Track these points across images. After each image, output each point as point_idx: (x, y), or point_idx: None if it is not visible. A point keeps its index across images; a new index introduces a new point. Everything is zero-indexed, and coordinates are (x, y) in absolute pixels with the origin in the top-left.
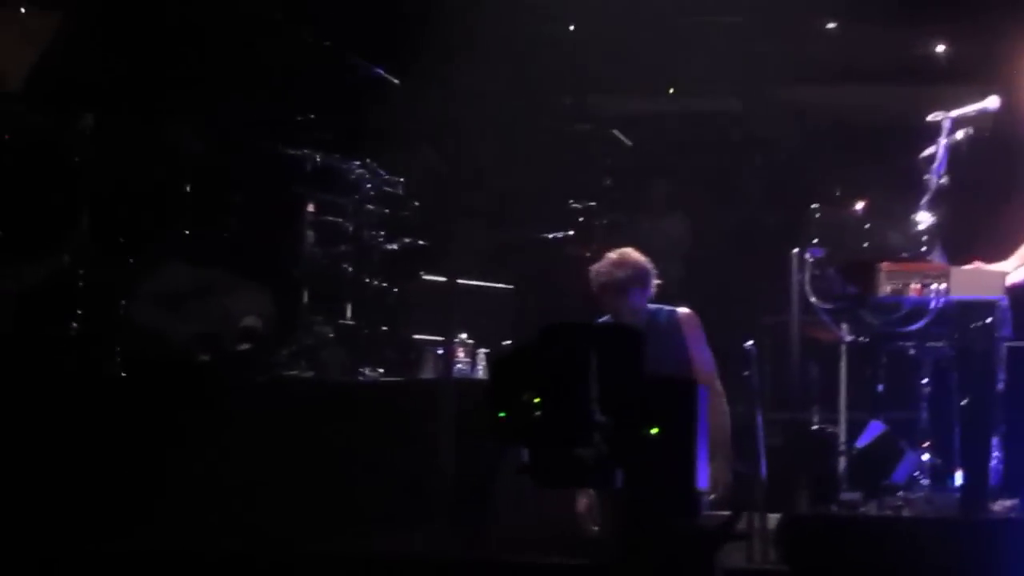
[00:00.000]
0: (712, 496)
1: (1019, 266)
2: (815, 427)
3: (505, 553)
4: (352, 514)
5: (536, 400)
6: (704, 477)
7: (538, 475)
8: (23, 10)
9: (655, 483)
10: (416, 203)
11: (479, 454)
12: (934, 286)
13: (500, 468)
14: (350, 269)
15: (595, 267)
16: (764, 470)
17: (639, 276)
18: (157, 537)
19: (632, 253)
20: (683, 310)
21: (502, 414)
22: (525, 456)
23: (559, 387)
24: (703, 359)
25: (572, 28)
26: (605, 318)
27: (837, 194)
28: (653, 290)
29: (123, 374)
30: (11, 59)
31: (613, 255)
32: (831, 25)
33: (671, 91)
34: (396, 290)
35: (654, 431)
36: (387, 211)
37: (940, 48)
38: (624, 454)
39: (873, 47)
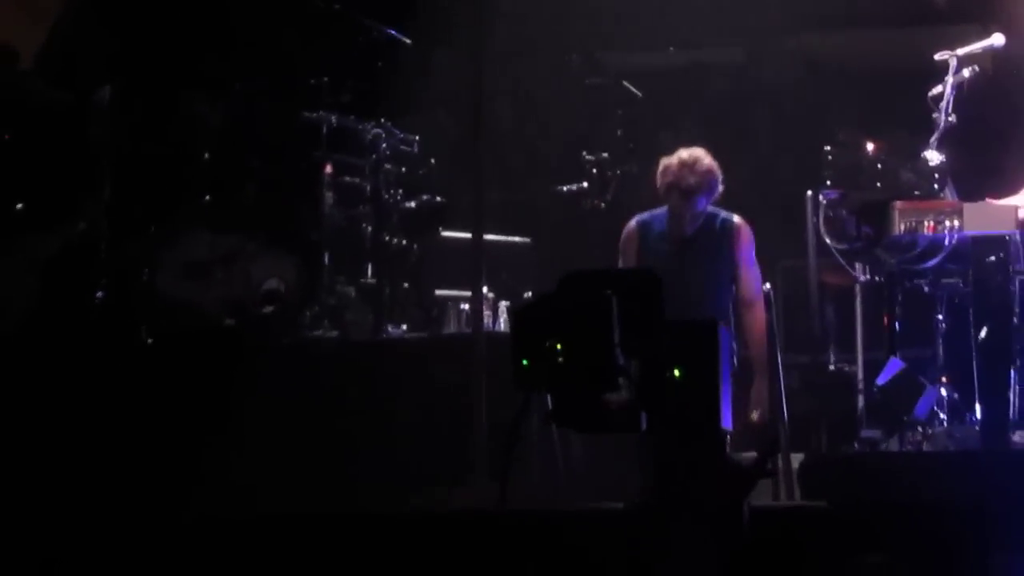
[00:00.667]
0: (753, 419)
1: None
2: (833, 368)
3: (539, 503)
4: (386, 472)
5: (558, 347)
6: (728, 417)
7: (563, 421)
8: None
9: (680, 424)
10: (432, 160)
11: (509, 406)
12: (947, 223)
13: (526, 418)
14: (370, 229)
15: (666, 163)
16: (785, 411)
17: (708, 183)
18: (191, 503)
19: (704, 157)
20: (738, 219)
21: (525, 362)
22: (549, 404)
23: (581, 333)
24: (751, 274)
25: None
26: (661, 210)
27: (842, 138)
28: (717, 195)
29: (149, 342)
30: (23, 37)
31: (685, 155)
32: None
33: (671, 48)
34: (416, 247)
35: (677, 373)
36: (404, 170)
37: None
38: (648, 397)
39: None
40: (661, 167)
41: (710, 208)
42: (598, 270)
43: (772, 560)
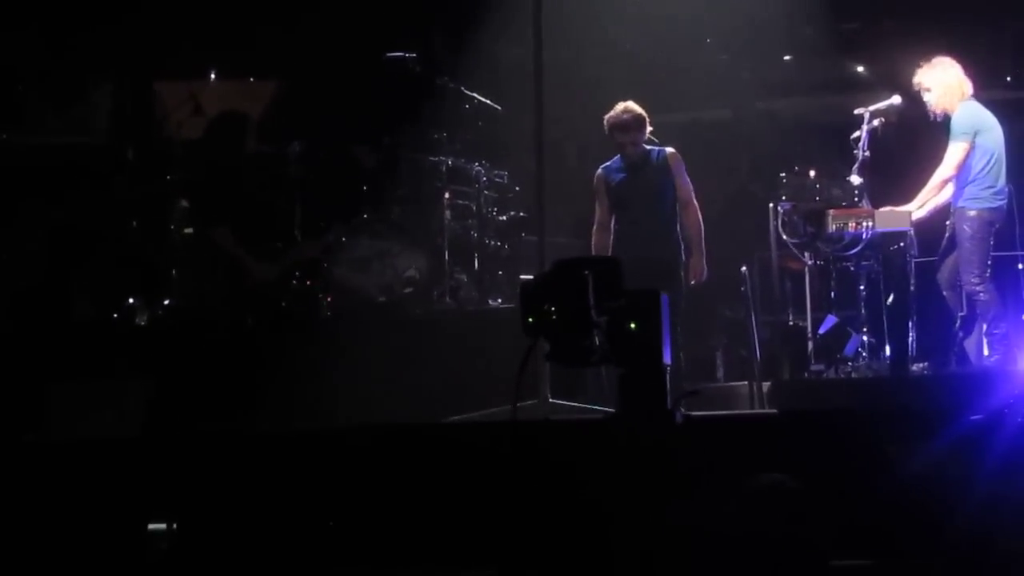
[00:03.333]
0: (693, 282)
1: (918, 207)
2: (791, 323)
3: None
4: (481, 393)
5: (552, 309)
6: (668, 355)
7: (557, 359)
8: (251, 79)
9: (635, 361)
10: (516, 188)
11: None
12: (865, 223)
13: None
14: (475, 235)
15: (608, 114)
16: (758, 353)
17: (638, 119)
18: (350, 414)
19: (634, 104)
20: (669, 150)
21: (531, 319)
22: (547, 347)
23: (567, 299)
24: (685, 185)
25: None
26: (614, 158)
27: (795, 169)
28: (646, 134)
29: (328, 314)
30: (245, 109)
31: (620, 105)
32: (787, 58)
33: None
34: (507, 246)
35: (633, 326)
36: (497, 195)
37: (860, 68)
38: (614, 342)
39: (817, 71)
40: (606, 119)
41: (649, 146)
42: (580, 257)
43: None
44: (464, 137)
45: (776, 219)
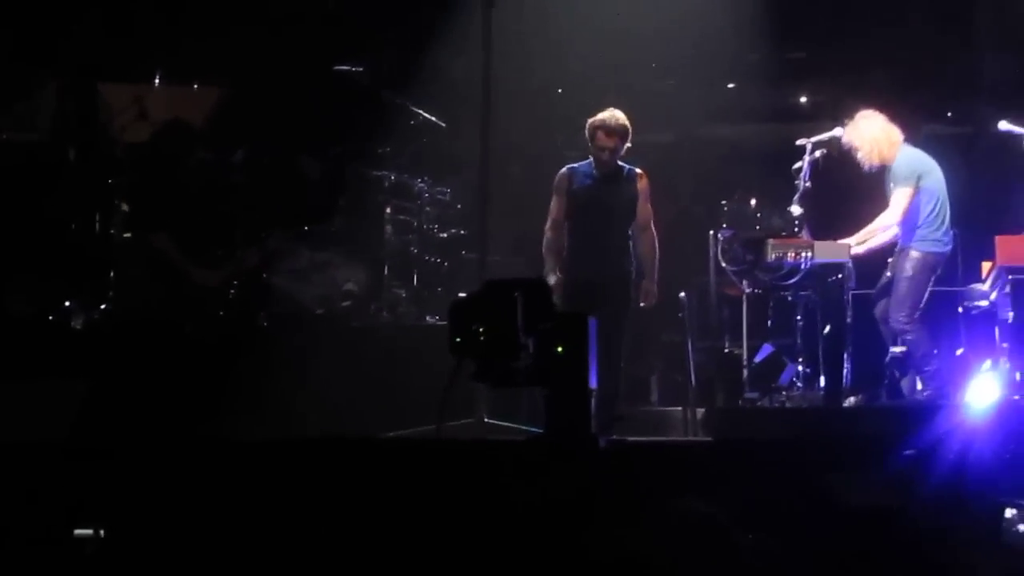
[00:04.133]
0: (643, 305)
1: (860, 242)
2: (726, 350)
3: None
4: (418, 408)
5: (480, 329)
6: (593, 379)
7: (483, 379)
8: (196, 85)
9: (561, 383)
10: (459, 205)
11: None
12: (804, 254)
13: (456, 376)
14: (415, 250)
15: (594, 117)
16: (693, 379)
17: (624, 128)
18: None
19: (623, 115)
20: (641, 170)
21: (458, 339)
22: (473, 367)
23: (497, 320)
24: (646, 210)
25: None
26: (587, 161)
27: (735, 197)
28: (625, 149)
29: (266, 324)
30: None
31: (609, 110)
32: (731, 85)
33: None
34: (446, 264)
35: (560, 349)
36: (439, 211)
37: (804, 99)
38: (541, 364)
39: (761, 99)
40: (591, 120)
41: (622, 162)
42: (510, 279)
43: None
44: (408, 152)
45: (716, 246)
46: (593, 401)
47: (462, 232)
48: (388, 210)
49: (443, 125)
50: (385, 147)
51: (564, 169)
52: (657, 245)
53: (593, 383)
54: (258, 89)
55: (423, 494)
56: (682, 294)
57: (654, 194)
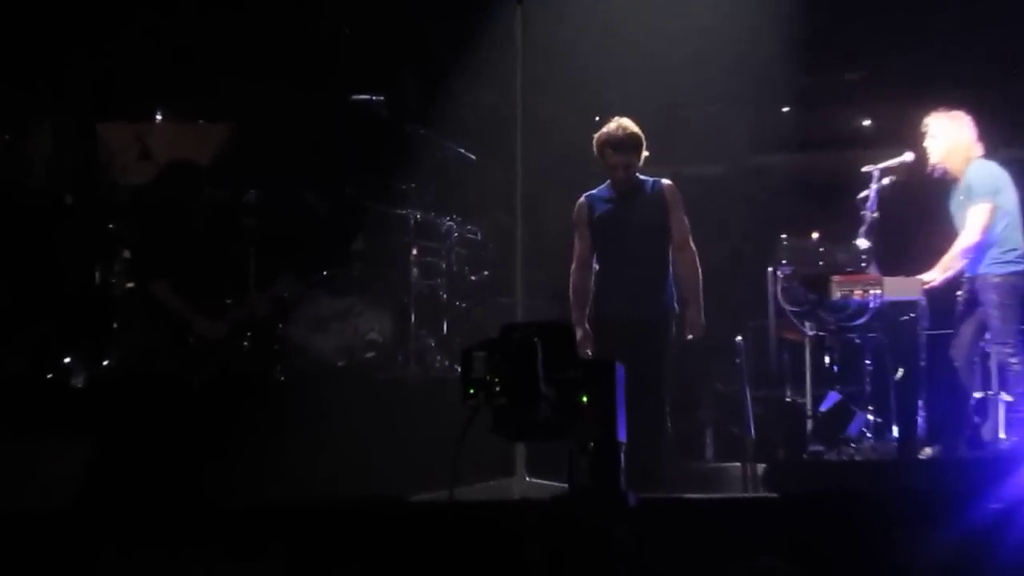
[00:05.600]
0: (689, 338)
1: (941, 274)
2: (788, 399)
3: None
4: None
5: (496, 379)
6: (623, 431)
7: (501, 432)
8: (201, 121)
9: (586, 437)
10: (490, 245)
11: None
12: (872, 291)
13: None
14: (444, 295)
15: (601, 130)
16: (752, 431)
17: (635, 139)
18: (305, 489)
19: (631, 124)
20: (666, 181)
21: (472, 390)
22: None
23: (514, 368)
24: (680, 225)
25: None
26: (605, 184)
27: (795, 232)
28: (642, 160)
29: (282, 379)
30: (196, 155)
31: (615, 120)
32: (785, 109)
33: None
34: (479, 309)
35: (585, 399)
36: (469, 252)
37: (866, 122)
38: (564, 416)
39: (820, 123)
40: (596, 136)
41: (642, 176)
42: (530, 322)
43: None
44: (434, 189)
45: (775, 285)
46: (623, 455)
47: (495, 275)
48: (414, 252)
49: (472, 158)
50: (409, 183)
51: (581, 199)
52: (699, 265)
53: (622, 435)
54: (269, 124)
55: (443, 558)
56: (738, 339)
57: (701, 231)
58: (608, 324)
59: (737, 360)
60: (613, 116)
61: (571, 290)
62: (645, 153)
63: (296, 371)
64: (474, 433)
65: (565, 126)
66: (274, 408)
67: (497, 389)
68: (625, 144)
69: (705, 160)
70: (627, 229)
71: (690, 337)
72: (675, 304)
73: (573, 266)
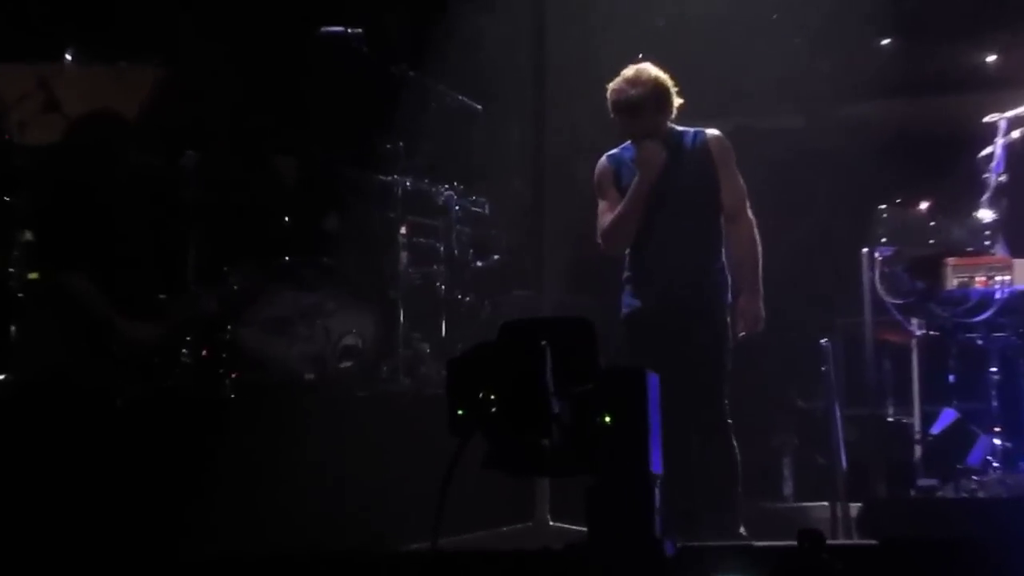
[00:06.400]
0: (742, 334)
1: None
2: (890, 419)
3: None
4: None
5: (492, 396)
6: (658, 461)
7: (498, 465)
8: (124, 63)
9: (610, 470)
10: (503, 222)
11: None
12: (999, 277)
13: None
14: (443, 287)
15: (609, 85)
16: (844, 461)
17: (654, 94)
18: (267, 540)
19: (649, 69)
20: (712, 132)
21: (460, 412)
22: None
23: (514, 382)
24: (733, 185)
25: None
26: (625, 144)
27: (898, 201)
28: (674, 111)
29: (233, 396)
30: (118, 106)
31: (628, 71)
32: (885, 42)
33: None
34: (487, 304)
35: (608, 419)
36: (475, 231)
37: (991, 57)
38: (581, 442)
39: (927, 60)
40: (607, 92)
41: (678, 127)
42: (536, 318)
43: None
44: (429, 149)
45: (871, 271)
46: (659, 491)
47: (509, 260)
48: (403, 231)
49: (478, 108)
50: (396, 142)
51: (603, 160)
52: (758, 239)
53: (657, 466)
54: (213, 66)
55: None
56: (823, 341)
57: (775, 202)
58: (644, 319)
59: (823, 368)
60: (639, 59)
61: (605, 240)
62: (677, 102)
63: (250, 388)
64: (480, 466)
65: (602, 65)
66: (222, 435)
67: (493, 409)
68: (640, 106)
69: (779, 110)
70: (664, 198)
71: (742, 334)
72: (728, 289)
73: (600, 214)
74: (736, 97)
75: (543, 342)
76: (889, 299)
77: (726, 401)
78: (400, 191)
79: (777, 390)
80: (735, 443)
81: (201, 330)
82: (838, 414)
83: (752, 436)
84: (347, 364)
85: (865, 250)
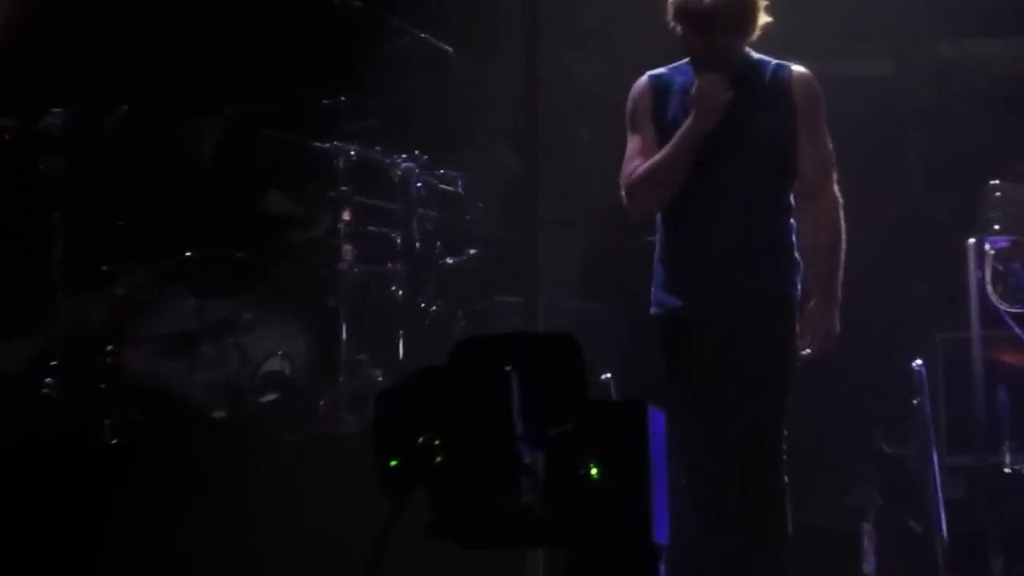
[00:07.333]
0: (806, 352)
1: None
2: (1008, 470)
3: None
4: None
5: (436, 442)
6: (664, 528)
7: (443, 533)
8: None
9: (597, 538)
10: (480, 204)
11: None
12: None
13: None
14: (400, 292)
15: None
16: (944, 527)
17: (736, 4)
18: None
19: None
20: (799, 70)
21: (393, 463)
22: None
23: (469, 421)
24: (818, 148)
25: None
26: (678, 64)
27: (1018, 171)
28: (757, 30)
29: (114, 441)
30: None
31: None
32: None
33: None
34: (460, 314)
35: (595, 471)
36: (444, 214)
37: None
38: (560, 503)
39: None
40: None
41: (754, 54)
42: (502, 334)
43: None
44: (382, 105)
45: (981, 268)
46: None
47: (490, 255)
48: (346, 216)
49: (449, 51)
50: (337, 95)
51: (643, 80)
52: (842, 222)
53: (661, 534)
54: None
55: None
56: (917, 362)
57: (856, 175)
58: (680, 319)
59: (916, 400)
60: None
61: (630, 190)
62: (764, 19)
63: (138, 428)
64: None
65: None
66: (102, 489)
67: (439, 459)
68: (712, 18)
69: (864, 52)
70: (720, 148)
71: (806, 351)
72: (798, 286)
73: (627, 158)
74: (803, 37)
75: (507, 367)
76: (1005, 306)
77: (785, 432)
78: (342, 162)
79: (854, 430)
80: (787, 485)
81: (71, 351)
82: (936, 463)
83: (820, 491)
84: (270, 397)
85: (972, 240)
